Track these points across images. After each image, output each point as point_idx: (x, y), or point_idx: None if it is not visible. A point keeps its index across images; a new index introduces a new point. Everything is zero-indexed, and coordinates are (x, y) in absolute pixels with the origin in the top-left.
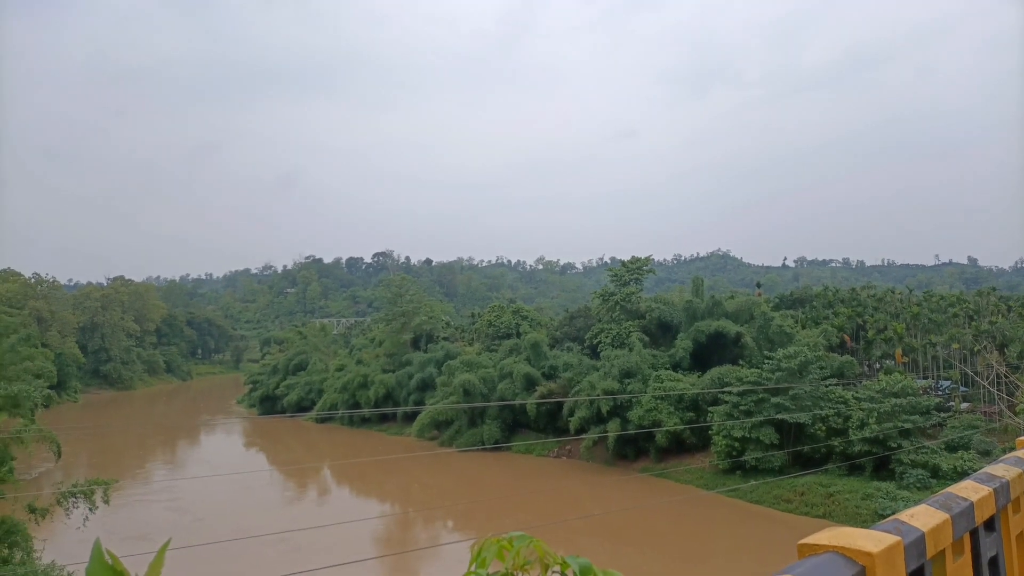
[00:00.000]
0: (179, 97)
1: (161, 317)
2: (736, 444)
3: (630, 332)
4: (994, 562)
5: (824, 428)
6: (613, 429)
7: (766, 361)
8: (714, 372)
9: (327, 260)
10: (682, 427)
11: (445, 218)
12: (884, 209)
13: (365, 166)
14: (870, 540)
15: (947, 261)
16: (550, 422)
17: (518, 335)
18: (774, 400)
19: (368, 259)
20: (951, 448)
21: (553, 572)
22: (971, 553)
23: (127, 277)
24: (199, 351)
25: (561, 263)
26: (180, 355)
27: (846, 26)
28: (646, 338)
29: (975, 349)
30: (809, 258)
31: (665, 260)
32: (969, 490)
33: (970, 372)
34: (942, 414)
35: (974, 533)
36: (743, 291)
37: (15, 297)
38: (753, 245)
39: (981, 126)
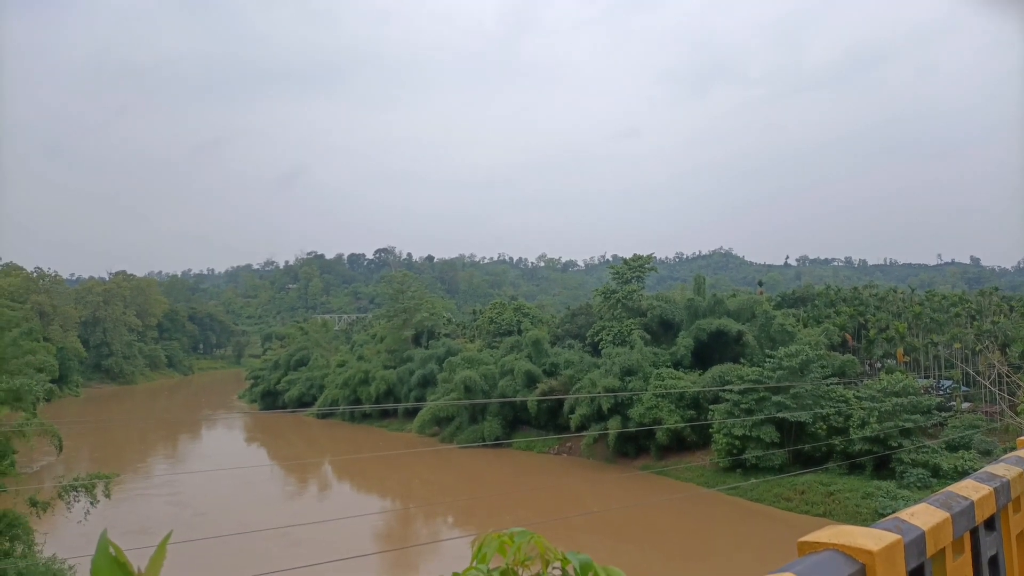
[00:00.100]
0: (182, 94)
1: (163, 312)
2: (737, 442)
3: (631, 330)
4: (994, 561)
5: (825, 427)
6: (614, 427)
7: (767, 360)
8: (715, 370)
9: (329, 256)
10: (683, 425)
11: (447, 215)
12: (886, 208)
13: (367, 163)
14: (870, 538)
15: (949, 261)
16: (551, 419)
17: (519, 332)
18: (775, 399)
19: (370, 255)
20: (952, 448)
21: (554, 568)
22: (971, 552)
23: (129, 272)
24: (201, 346)
25: (563, 260)
26: (181, 350)
27: (847, 25)
28: (647, 336)
29: (977, 349)
30: (811, 257)
31: (667, 258)
32: (969, 489)
33: (972, 372)
34: (943, 413)
35: (974, 532)
36: (745, 289)
37: (17, 291)
38: (755, 244)
39: (983, 125)
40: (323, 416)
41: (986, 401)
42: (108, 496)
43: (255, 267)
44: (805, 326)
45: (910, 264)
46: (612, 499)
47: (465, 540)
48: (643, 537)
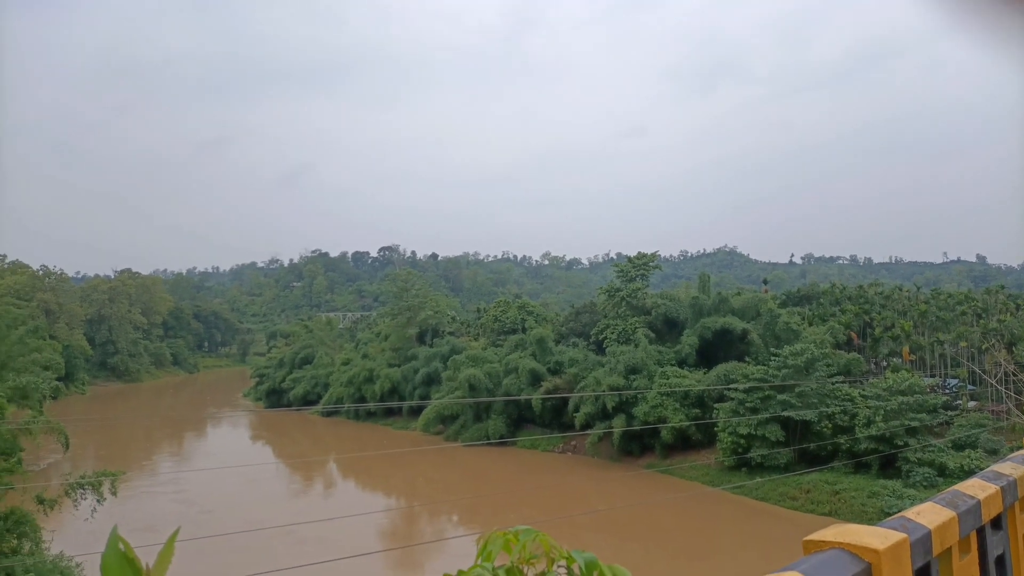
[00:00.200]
0: (186, 93)
1: (168, 310)
2: (742, 441)
3: (636, 328)
4: (1001, 560)
5: (830, 426)
6: (618, 425)
7: (772, 358)
8: (720, 369)
9: (333, 254)
10: (688, 423)
11: (451, 213)
12: (892, 206)
13: (371, 161)
14: (876, 537)
15: (955, 259)
16: (555, 417)
17: (524, 330)
18: (780, 397)
19: (374, 253)
20: (958, 446)
21: (559, 566)
22: (978, 551)
23: (134, 270)
24: (206, 344)
25: (567, 259)
26: (187, 348)
27: (853, 22)
28: (652, 334)
29: (983, 347)
30: (816, 255)
31: (671, 256)
32: (976, 488)
33: (978, 370)
34: (949, 412)
35: (981, 531)
36: (750, 288)
37: (23, 289)
38: (760, 242)
39: (990, 122)
40: (328, 414)
41: (992, 400)
42: (115, 494)
43: (260, 265)
44: (810, 324)
45: (916, 262)
46: (617, 498)
47: (470, 538)
48: (648, 536)
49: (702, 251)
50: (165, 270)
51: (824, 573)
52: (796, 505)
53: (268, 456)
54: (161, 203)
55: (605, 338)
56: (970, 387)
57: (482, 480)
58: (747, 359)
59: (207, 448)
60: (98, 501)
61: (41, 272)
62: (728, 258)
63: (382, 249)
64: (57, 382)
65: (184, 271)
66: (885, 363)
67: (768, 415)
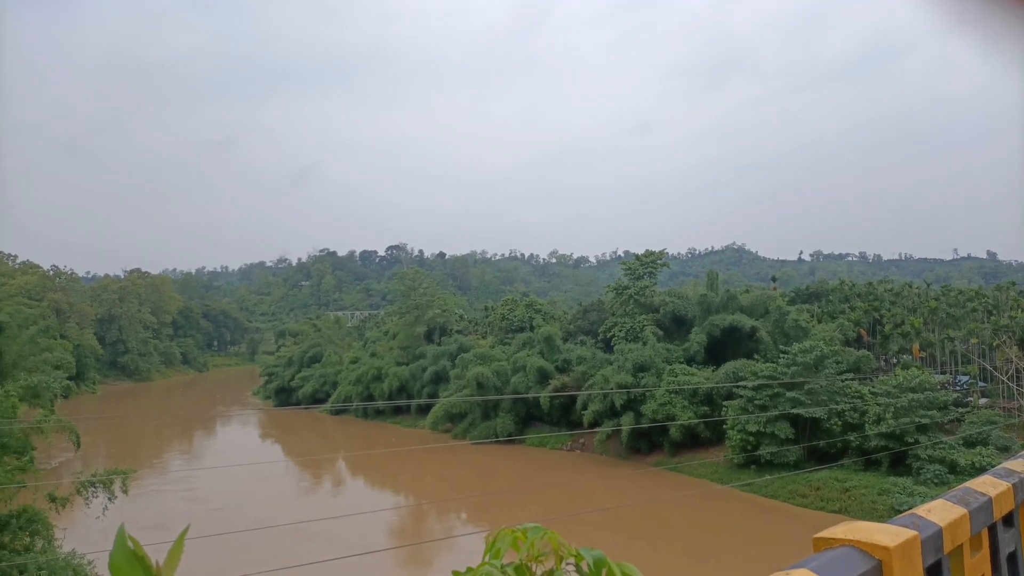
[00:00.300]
0: (194, 92)
1: (177, 309)
2: (751, 438)
3: (644, 326)
4: (1013, 558)
5: (840, 423)
6: (627, 423)
7: (781, 355)
8: (729, 366)
9: (341, 253)
10: (696, 421)
11: (458, 212)
12: (901, 203)
13: (378, 160)
14: (886, 534)
15: (966, 255)
16: (563, 415)
17: (531, 328)
18: (789, 394)
19: (382, 252)
20: (969, 444)
21: (567, 564)
22: (989, 548)
23: (144, 270)
24: (215, 343)
25: (575, 257)
26: (196, 347)
27: (863, 17)
28: (660, 332)
29: (994, 344)
30: (825, 252)
31: (679, 254)
32: (987, 485)
33: (989, 367)
34: (960, 409)
35: (992, 528)
36: (758, 285)
37: (34, 289)
38: (768, 239)
39: (1000, 117)
40: (336, 412)
41: (1004, 397)
42: (125, 492)
43: (268, 264)
44: (819, 322)
45: (925, 259)
46: (625, 495)
47: (478, 536)
48: (657, 533)
49: (710, 248)
50: (174, 270)
51: (834, 570)
52: (806, 503)
53: (277, 454)
54: (170, 203)
55: (613, 336)
56: (981, 384)
57: (490, 478)
58: (756, 357)
59: (217, 446)
60: (109, 499)
61: (52, 272)
62: (736, 255)
63: (390, 248)
64: (68, 381)
65: (193, 271)
66: (895, 360)
67: (777, 412)
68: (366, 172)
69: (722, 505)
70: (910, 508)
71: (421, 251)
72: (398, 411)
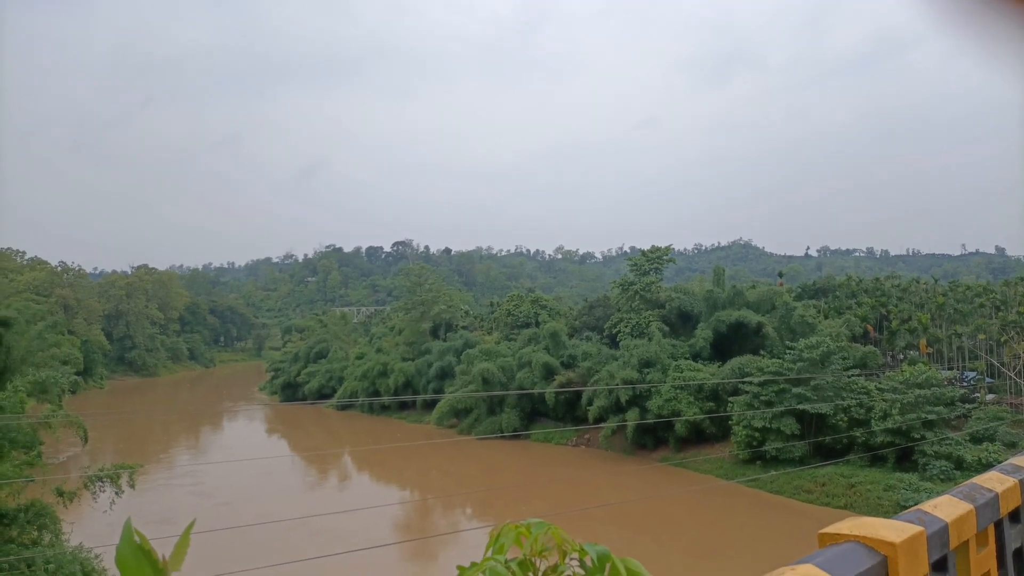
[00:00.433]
0: (202, 88)
1: (184, 305)
2: (756, 434)
3: (650, 322)
4: (1019, 554)
5: (846, 419)
6: (632, 418)
7: (788, 351)
8: (735, 362)
9: (347, 249)
10: (702, 417)
11: (464, 207)
12: (909, 197)
13: (385, 155)
14: (892, 530)
15: (974, 251)
16: (569, 411)
17: (537, 324)
18: (795, 390)
19: (388, 248)
20: (976, 440)
21: (571, 559)
22: (995, 544)
23: (151, 266)
24: (221, 339)
25: (580, 252)
26: (203, 343)
27: (870, 10)
28: (666, 328)
29: (1002, 340)
30: (832, 247)
31: (685, 249)
32: (994, 481)
33: (996, 363)
34: (967, 405)
35: (999, 524)
36: (765, 281)
37: (42, 285)
38: (775, 234)
39: (1011, 110)
40: (342, 408)
41: (1011, 392)
42: (132, 486)
43: (275, 260)
44: (826, 317)
45: (933, 254)
46: (630, 491)
47: (483, 531)
48: (661, 529)
49: (716, 244)
50: (181, 266)
51: (840, 566)
52: (811, 498)
53: (284, 449)
54: (177, 199)
55: (619, 332)
56: (988, 380)
57: (496, 473)
58: (762, 352)
59: (223, 441)
60: (116, 493)
61: (59, 268)
62: (743, 251)
63: (395, 244)
64: (76, 376)
65: (200, 267)
66: (902, 356)
67: (783, 408)
68: (373, 167)
69: (727, 501)
70: (916, 504)
71: (427, 247)
72: (403, 406)
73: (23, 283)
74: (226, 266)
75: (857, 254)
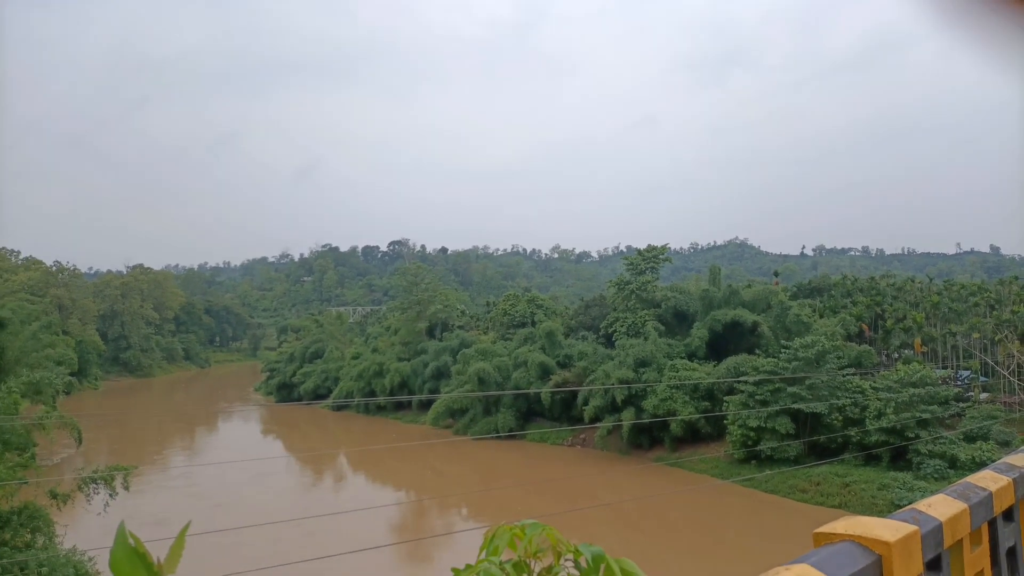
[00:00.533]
0: (198, 88)
1: (180, 305)
2: (752, 434)
3: (645, 321)
4: (1012, 552)
5: (841, 418)
6: (628, 418)
7: (783, 350)
8: (730, 361)
9: (343, 248)
10: (697, 416)
11: (461, 206)
12: (905, 197)
13: (382, 155)
14: (887, 529)
15: (968, 250)
16: (564, 411)
17: (533, 324)
18: (790, 390)
19: (384, 248)
20: (970, 438)
21: (566, 560)
22: (989, 543)
23: (146, 265)
24: (217, 339)
25: (576, 252)
26: (198, 343)
27: (868, 9)
28: (662, 327)
29: (996, 338)
30: (828, 247)
31: (681, 249)
32: (988, 480)
33: (990, 362)
34: (961, 404)
35: (992, 523)
36: (760, 280)
37: (37, 285)
38: (771, 233)
39: (1007, 109)
40: (338, 408)
41: (1005, 391)
42: (127, 488)
43: (270, 260)
44: (821, 316)
45: (928, 253)
46: (626, 490)
47: (478, 531)
48: (656, 528)
49: (712, 243)
50: (176, 265)
51: (835, 565)
52: (806, 497)
53: (279, 450)
54: (172, 199)
55: (615, 331)
56: (982, 379)
57: (491, 473)
58: (757, 352)
59: (218, 442)
60: (110, 495)
61: (54, 268)
62: (739, 250)
63: (392, 243)
64: (70, 377)
65: (195, 266)
66: (897, 355)
67: (778, 408)
68: (369, 167)
69: (722, 500)
70: (910, 503)
71: (423, 246)
72: (399, 407)
73: (17, 283)
74: (222, 266)
75: (852, 253)
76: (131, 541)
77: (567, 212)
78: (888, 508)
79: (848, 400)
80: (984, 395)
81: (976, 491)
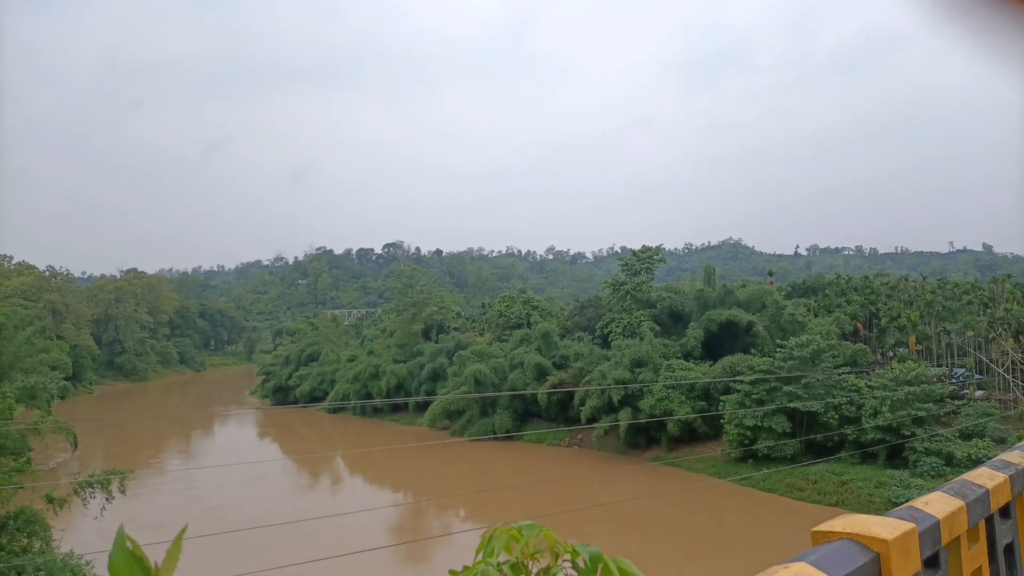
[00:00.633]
0: (190, 91)
1: (174, 309)
2: (748, 433)
3: (641, 321)
4: (1010, 549)
5: (837, 416)
6: (624, 418)
7: (778, 350)
8: (726, 361)
9: (338, 251)
10: (694, 416)
11: (455, 208)
12: (898, 196)
13: (376, 158)
14: (884, 527)
15: (962, 248)
16: (561, 412)
17: (529, 325)
18: (786, 389)
19: (379, 250)
20: (965, 436)
21: (563, 561)
22: (986, 540)
23: (140, 269)
24: (212, 342)
25: (571, 253)
26: (193, 346)
27: (859, 8)
28: (657, 327)
29: (990, 336)
30: (822, 246)
31: (676, 249)
32: (984, 477)
33: (985, 359)
34: (956, 402)
35: (989, 520)
36: (755, 280)
37: (30, 290)
38: (765, 233)
39: (999, 107)
40: (334, 411)
41: (1000, 389)
42: (123, 492)
43: (265, 263)
44: (816, 316)
45: (921, 252)
46: (623, 491)
47: (475, 533)
48: (654, 528)
49: (707, 244)
50: (171, 269)
51: (833, 563)
52: (803, 496)
53: (275, 453)
54: (166, 202)
55: (610, 332)
56: (977, 376)
57: (488, 474)
58: (753, 351)
59: (215, 445)
60: (107, 499)
61: (48, 273)
62: (733, 250)
63: (387, 246)
64: (65, 382)
65: (189, 270)
66: (891, 353)
67: (774, 407)
68: (363, 169)
69: (720, 499)
70: (907, 500)
71: (418, 248)
72: (396, 409)
73: (11, 288)
74: (216, 269)
75: (846, 252)
76: (129, 545)
77: (561, 213)
78: (885, 506)
79: (844, 399)
80: (979, 393)
81: (973, 488)
